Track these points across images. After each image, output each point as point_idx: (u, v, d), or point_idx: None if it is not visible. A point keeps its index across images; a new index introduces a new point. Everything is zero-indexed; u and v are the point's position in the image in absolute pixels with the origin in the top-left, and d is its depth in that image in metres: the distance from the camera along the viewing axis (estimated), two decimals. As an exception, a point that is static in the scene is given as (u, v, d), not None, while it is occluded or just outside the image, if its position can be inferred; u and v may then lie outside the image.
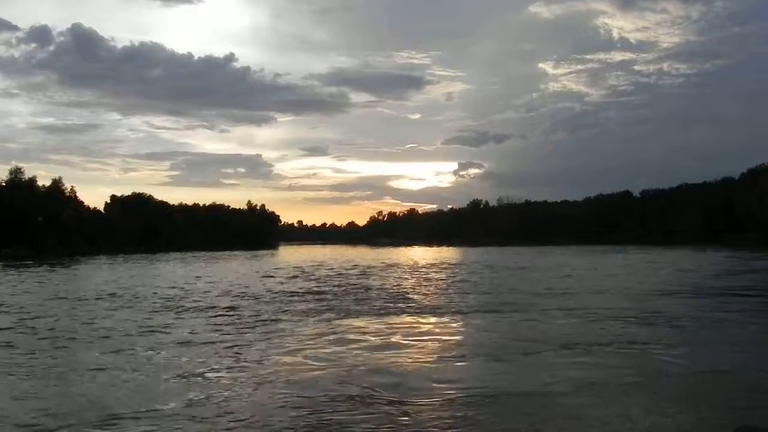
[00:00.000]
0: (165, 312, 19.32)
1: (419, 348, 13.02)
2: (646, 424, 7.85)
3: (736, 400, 8.87)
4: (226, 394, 9.37)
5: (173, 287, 28.31)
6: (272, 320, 17.29)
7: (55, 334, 15.01)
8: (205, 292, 26.13)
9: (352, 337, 14.43)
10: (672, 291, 24.35)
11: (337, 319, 17.50)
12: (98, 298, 23.48)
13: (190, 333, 15.17)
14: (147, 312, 19.24)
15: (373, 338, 14.23)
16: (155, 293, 25.25)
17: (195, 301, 22.52)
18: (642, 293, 23.67)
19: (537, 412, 8.34)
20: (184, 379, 10.29)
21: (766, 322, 17.10)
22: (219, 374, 10.68)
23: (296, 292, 25.57)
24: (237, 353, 12.52)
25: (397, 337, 14.43)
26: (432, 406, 8.68)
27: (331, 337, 14.32)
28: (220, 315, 18.56)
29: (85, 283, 32.59)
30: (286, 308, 20.02)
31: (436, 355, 12.22)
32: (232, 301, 22.50)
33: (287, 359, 11.89)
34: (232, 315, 18.54)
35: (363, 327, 15.99)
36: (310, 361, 11.64)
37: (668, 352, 12.29)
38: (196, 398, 9.12)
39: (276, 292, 25.61)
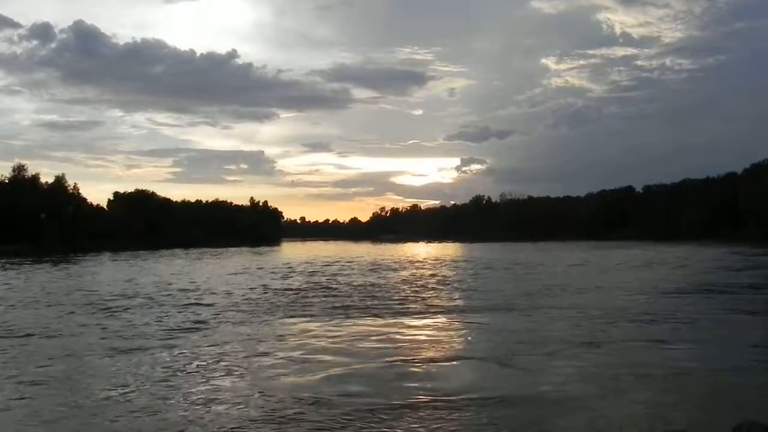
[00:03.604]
0: (145, 310, 18.88)
1: (427, 348, 12.97)
2: (649, 419, 7.85)
3: (738, 396, 8.88)
4: (190, 404, 8.73)
5: (169, 283, 28.38)
6: (261, 320, 16.76)
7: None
8: (196, 290, 25.79)
9: (359, 337, 14.34)
10: (676, 288, 24.26)
11: (337, 318, 17.45)
12: (72, 295, 23.42)
13: (170, 330, 14.77)
14: (123, 313, 18.50)
15: (373, 339, 14.15)
16: (134, 291, 24.89)
17: (187, 299, 22.14)
18: (646, 290, 23.61)
19: (540, 410, 8.33)
20: (152, 385, 9.78)
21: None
22: (184, 381, 10.01)
23: (296, 290, 25.55)
24: (213, 357, 11.89)
25: (405, 336, 14.35)
26: (435, 411, 8.60)
27: (328, 339, 14.13)
28: (204, 312, 18.15)
29: (76, 280, 32.32)
30: (278, 307, 19.84)
31: (441, 357, 12.16)
32: (222, 298, 22.35)
33: (265, 363, 11.31)
34: (218, 313, 18.16)
35: (368, 326, 15.92)
36: (292, 365, 11.09)
37: (672, 348, 12.29)
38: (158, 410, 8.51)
39: (275, 289, 25.58)
